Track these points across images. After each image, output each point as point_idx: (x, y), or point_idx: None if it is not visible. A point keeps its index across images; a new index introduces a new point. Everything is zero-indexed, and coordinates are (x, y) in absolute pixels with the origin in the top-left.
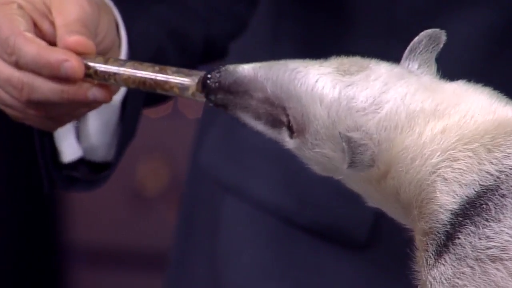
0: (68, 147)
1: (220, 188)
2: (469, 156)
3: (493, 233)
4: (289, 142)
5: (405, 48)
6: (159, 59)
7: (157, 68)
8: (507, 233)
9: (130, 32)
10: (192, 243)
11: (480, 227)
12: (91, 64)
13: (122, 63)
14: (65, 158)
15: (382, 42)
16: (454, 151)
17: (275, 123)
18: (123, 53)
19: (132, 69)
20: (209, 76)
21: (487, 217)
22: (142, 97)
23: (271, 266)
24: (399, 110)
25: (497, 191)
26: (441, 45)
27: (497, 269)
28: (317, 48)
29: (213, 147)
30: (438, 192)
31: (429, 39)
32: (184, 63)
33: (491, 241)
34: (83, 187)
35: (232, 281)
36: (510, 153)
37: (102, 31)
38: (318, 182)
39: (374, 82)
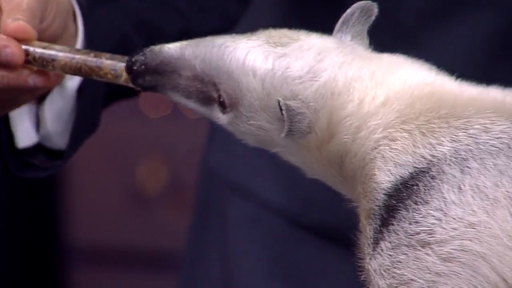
0: (23, 132)
1: (228, 188)
2: (405, 138)
3: (421, 217)
4: (222, 118)
5: (411, 50)
6: (123, 49)
7: (92, 54)
8: (433, 215)
9: (88, 20)
10: (205, 243)
11: (410, 211)
12: (31, 50)
13: (59, 50)
14: (20, 144)
15: (388, 44)
16: (393, 130)
17: (206, 100)
18: (79, 41)
19: (68, 55)
20: (133, 59)
21: (416, 199)
22: (103, 88)
23: (275, 266)
24: (337, 77)
25: (428, 173)
26: (373, 18)
27: (427, 254)
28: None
29: (221, 148)
30: (376, 169)
31: (361, 11)
32: None
33: (419, 226)
34: (38, 174)
35: (240, 281)
36: (444, 142)
37: (50, 16)
38: (323, 183)
39: (308, 52)
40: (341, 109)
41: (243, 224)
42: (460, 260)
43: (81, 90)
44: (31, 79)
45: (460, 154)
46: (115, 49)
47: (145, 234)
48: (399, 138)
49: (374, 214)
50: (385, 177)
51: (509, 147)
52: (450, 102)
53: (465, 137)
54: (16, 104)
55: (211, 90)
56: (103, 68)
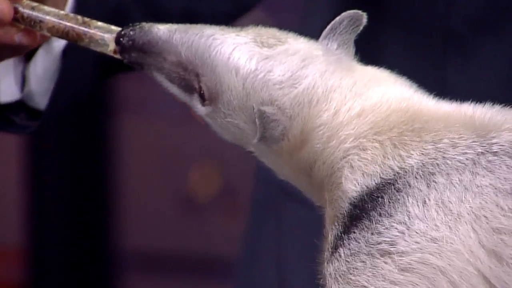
0: (6, 88)
1: (282, 193)
2: (376, 148)
3: (384, 229)
4: (200, 109)
5: (461, 57)
6: (119, 19)
7: (81, 20)
8: (396, 228)
9: None
10: (260, 248)
11: (374, 222)
12: (20, 9)
13: (48, 12)
14: (2, 98)
15: (439, 50)
16: (365, 140)
17: (188, 88)
18: (69, 3)
19: (57, 18)
20: (123, 33)
21: (381, 211)
22: (92, 53)
23: None
24: (316, 85)
25: (393, 185)
26: (361, 27)
27: (385, 262)
28: (371, 51)
29: None
30: (343, 178)
31: (350, 20)
32: None
33: (381, 236)
34: (16, 130)
35: (294, 286)
36: (413, 154)
37: None
38: None
39: (292, 57)
40: (316, 117)
41: (298, 229)
42: (419, 272)
43: (67, 51)
44: (17, 37)
45: (427, 168)
46: (109, 18)
47: (197, 240)
48: (370, 148)
49: (337, 221)
50: (351, 186)
51: (474, 163)
52: (424, 117)
53: (434, 151)
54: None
55: (193, 79)
56: (90, 36)
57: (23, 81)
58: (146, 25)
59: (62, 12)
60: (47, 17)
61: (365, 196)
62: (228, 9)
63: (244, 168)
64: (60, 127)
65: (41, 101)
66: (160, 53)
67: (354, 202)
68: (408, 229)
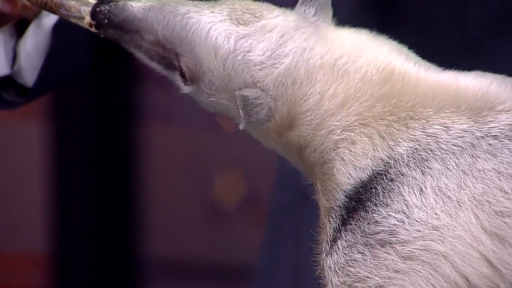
0: None
1: (301, 197)
2: (365, 142)
3: (381, 218)
4: (183, 88)
5: (477, 61)
6: None
7: None
8: (394, 217)
9: None
10: (279, 254)
11: (369, 212)
12: None
13: None
14: None
15: (454, 54)
16: (353, 134)
17: (168, 66)
18: None
19: None
20: (97, 10)
21: (376, 201)
22: (83, 32)
23: None
24: (298, 65)
25: (385, 176)
26: None
27: (388, 252)
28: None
29: None
30: (335, 170)
31: None
32: None
33: (379, 226)
34: (3, 106)
35: None
36: (400, 142)
37: None
38: None
39: (270, 34)
40: (302, 101)
41: (316, 234)
42: (421, 258)
43: (57, 27)
44: None
45: (419, 154)
46: None
47: (222, 247)
48: (359, 142)
49: (334, 214)
50: (345, 179)
51: (473, 146)
52: (409, 103)
53: (424, 137)
54: None
55: (173, 58)
56: (68, 7)
57: (14, 57)
58: (120, 3)
59: None
60: None
61: (359, 188)
62: None
63: (269, 175)
64: (85, 133)
65: (30, 78)
66: (137, 31)
67: (349, 194)
68: (408, 218)
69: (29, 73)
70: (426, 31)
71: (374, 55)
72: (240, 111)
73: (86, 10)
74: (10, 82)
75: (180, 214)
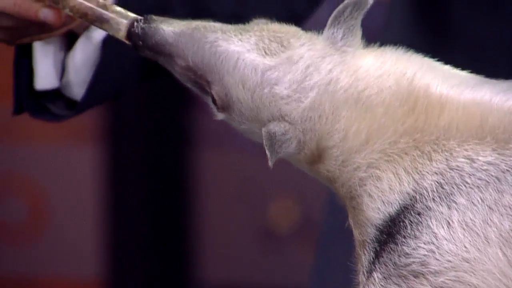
0: (44, 75)
1: None
2: (391, 178)
3: (411, 249)
4: (217, 114)
5: None
6: (163, 14)
7: (101, 3)
8: (423, 248)
9: None
10: (329, 277)
11: (399, 244)
12: None
13: None
14: (39, 85)
15: (505, 77)
16: (378, 171)
17: (202, 90)
18: None
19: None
20: (132, 30)
21: (405, 234)
22: (131, 50)
23: None
24: (323, 99)
25: (413, 209)
26: (366, 9)
27: (422, 284)
28: (422, 48)
29: None
30: (364, 206)
31: (354, 5)
32: None
33: (410, 257)
34: (49, 118)
35: None
36: (425, 175)
37: None
38: None
39: (296, 65)
40: (329, 136)
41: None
42: None
43: (106, 41)
44: (42, 13)
45: (444, 188)
46: (151, 12)
47: (276, 272)
48: (385, 179)
49: (368, 247)
50: (374, 214)
51: (499, 180)
52: (433, 136)
53: (448, 170)
54: (24, 35)
55: (205, 84)
56: (106, 19)
57: (63, 70)
58: (153, 25)
59: None
60: None
61: (389, 222)
62: (280, 17)
63: (323, 200)
64: (139, 158)
65: (78, 91)
66: (170, 55)
67: (379, 228)
68: (437, 248)
69: (77, 86)
70: (477, 53)
71: (397, 84)
72: (266, 148)
73: (124, 24)
74: (58, 94)
75: (234, 239)
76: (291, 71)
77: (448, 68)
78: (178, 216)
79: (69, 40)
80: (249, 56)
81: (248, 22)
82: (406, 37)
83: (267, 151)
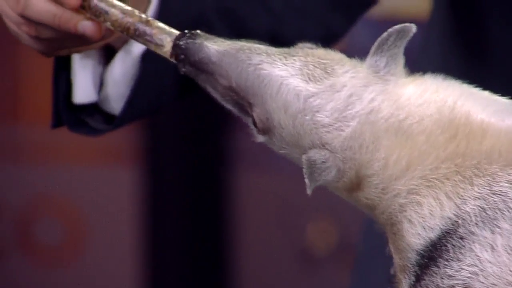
0: (82, 89)
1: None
2: (432, 204)
3: (454, 272)
4: (257, 136)
5: None
6: (201, 29)
7: (144, 19)
8: (467, 270)
9: None
10: None
11: (441, 267)
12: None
13: (115, 5)
14: (77, 99)
15: None
16: (418, 196)
17: (243, 111)
18: (152, 6)
19: (121, 13)
20: (177, 43)
21: (447, 257)
22: (172, 64)
23: None
24: (364, 129)
25: (455, 234)
26: (409, 38)
27: None
28: (457, 73)
29: None
30: (405, 232)
31: (398, 34)
32: None
33: (452, 279)
34: (87, 132)
35: None
36: (467, 200)
37: None
38: None
39: (338, 94)
40: (368, 165)
41: None
42: None
43: (145, 56)
44: (81, 26)
45: (487, 213)
46: (189, 27)
47: None
48: (425, 204)
49: (408, 271)
50: (415, 239)
51: None
52: (474, 160)
53: (491, 195)
54: (62, 47)
55: (246, 106)
56: (149, 35)
57: (101, 83)
58: (197, 41)
59: (128, 8)
60: (113, 10)
61: (430, 246)
62: (317, 35)
63: (360, 221)
64: (177, 179)
65: (116, 105)
66: (212, 74)
67: (420, 252)
68: (481, 271)
69: (115, 101)
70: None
71: (439, 112)
72: (305, 176)
73: (167, 40)
74: (96, 108)
75: (272, 260)
76: (333, 99)
77: (487, 94)
78: (216, 237)
79: (107, 54)
80: (292, 82)
81: (285, 39)
82: (443, 56)
83: (306, 179)
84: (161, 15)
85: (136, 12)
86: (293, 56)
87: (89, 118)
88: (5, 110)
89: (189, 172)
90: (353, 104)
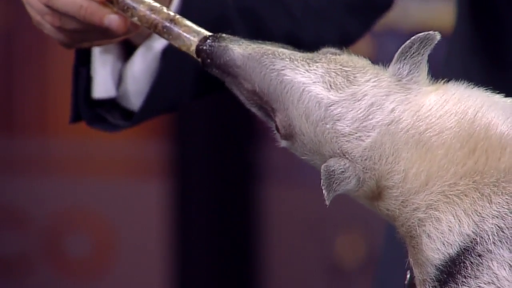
0: (101, 83)
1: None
2: (451, 220)
3: None
4: (280, 141)
5: None
6: (220, 28)
7: (172, 16)
8: (485, 287)
9: None
10: None
11: (459, 284)
12: None
13: (143, 1)
14: (96, 94)
15: None
16: (437, 212)
17: (266, 115)
18: (175, 3)
19: (149, 9)
20: (201, 47)
21: (465, 274)
22: (192, 60)
23: None
24: (384, 139)
25: (473, 251)
26: (432, 45)
27: None
28: (481, 79)
29: None
30: (424, 246)
31: (421, 42)
32: None
33: None
34: (106, 128)
35: None
36: (485, 218)
37: None
38: None
39: (359, 102)
40: (389, 176)
41: None
42: None
43: (166, 52)
44: (107, 20)
45: (505, 233)
46: (212, 25)
47: None
48: (444, 220)
49: (428, 285)
50: (434, 254)
51: None
52: (493, 178)
53: (509, 215)
54: (85, 40)
55: (269, 110)
56: (176, 33)
57: (120, 79)
58: (222, 44)
59: (157, 4)
60: (141, 6)
61: (449, 262)
62: (333, 38)
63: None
64: (206, 193)
65: (135, 101)
66: (237, 77)
67: (439, 267)
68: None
69: (134, 97)
70: None
71: (458, 125)
72: (323, 186)
73: (194, 40)
74: (114, 104)
75: (301, 274)
76: (354, 108)
77: (510, 102)
78: (245, 250)
79: (126, 50)
80: (314, 89)
81: (302, 41)
82: (464, 69)
83: (323, 189)
84: (182, 13)
85: (165, 9)
86: (316, 62)
87: (108, 114)
88: (36, 123)
89: (217, 185)
90: (374, 113)
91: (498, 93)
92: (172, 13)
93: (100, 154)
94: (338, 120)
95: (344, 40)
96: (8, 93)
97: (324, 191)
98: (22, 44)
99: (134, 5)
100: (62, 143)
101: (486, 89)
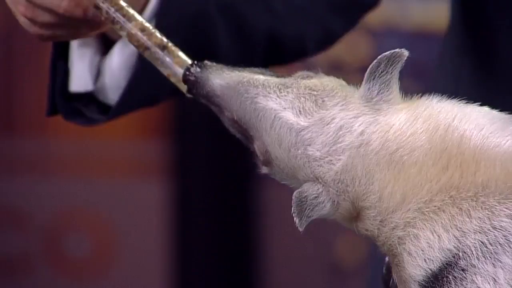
0: (79, 77)
1: None
2: (429, 237)
3: None
4: (261, 167)
5: None
6: (199, 25)
7: (164, 43)
8: None
9: None
10: None
11: None
12: (104, 6)
13: (135, 19)
14: (73, 87)
15: None
16: (415, 229)
17: (248, 143)
18: (152, 2)
19: (139, 30)
20: (186, 77)
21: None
22: None
23: None
24: (355, 162)
25: (456, 265)
26: (402, 64)
27: None
28: (468, 87)
29: None
30: (405, 263)
31: (388, 61)
32: (240, 48)
33: None
34: (82, 122)
35: None
36: (466, 233)
37: None
38: None
39: (328, 126)
40: (364, 197)
41: None
42: None
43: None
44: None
45: (488, 248)
46: (190, 23)
47: None
48: (422, 237)
49: None
50: (416, 271)
51: None
52: (470, 192)
53: (491, 230)
54: (59, 34)
55: (249, 137)
56: (168, 64)
57: (98, 73)
58: (204, 74)
59: (148, 25)
60: (132, 23)
61: (431, 278)
62: (316, 35)
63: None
64: (205, 192)
65: (113, 96)
66: (219, 106)
67: (422, 283)
68: None
69: (112, 91)
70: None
71: (429, 142)
72: (293, 214)
73: (178, 72)
74: (91, 98)
75: (301, 275)
76: (323, 132)
77: (486, 110)
78: (245, 250)
79: (104, 44)
80: (284, 115)
81: (285, 39)
82: (456, 71)
83: (294, 217)
84: (162, 10)
85: (157, 32)
86: (287, 88)
87: (85, 108)
88: (36, 123)
89: (218, 185)
90: (343, 137)
91: (486, 98)
92: (165, 40)
93: (100, 154)
94: (309, 145)
95: (327, 37)
96: (8, 93)
97: (295, 219)
98: (22, 44)
99: (125, 21)
100: (62, 143)
101: (474, 93)
